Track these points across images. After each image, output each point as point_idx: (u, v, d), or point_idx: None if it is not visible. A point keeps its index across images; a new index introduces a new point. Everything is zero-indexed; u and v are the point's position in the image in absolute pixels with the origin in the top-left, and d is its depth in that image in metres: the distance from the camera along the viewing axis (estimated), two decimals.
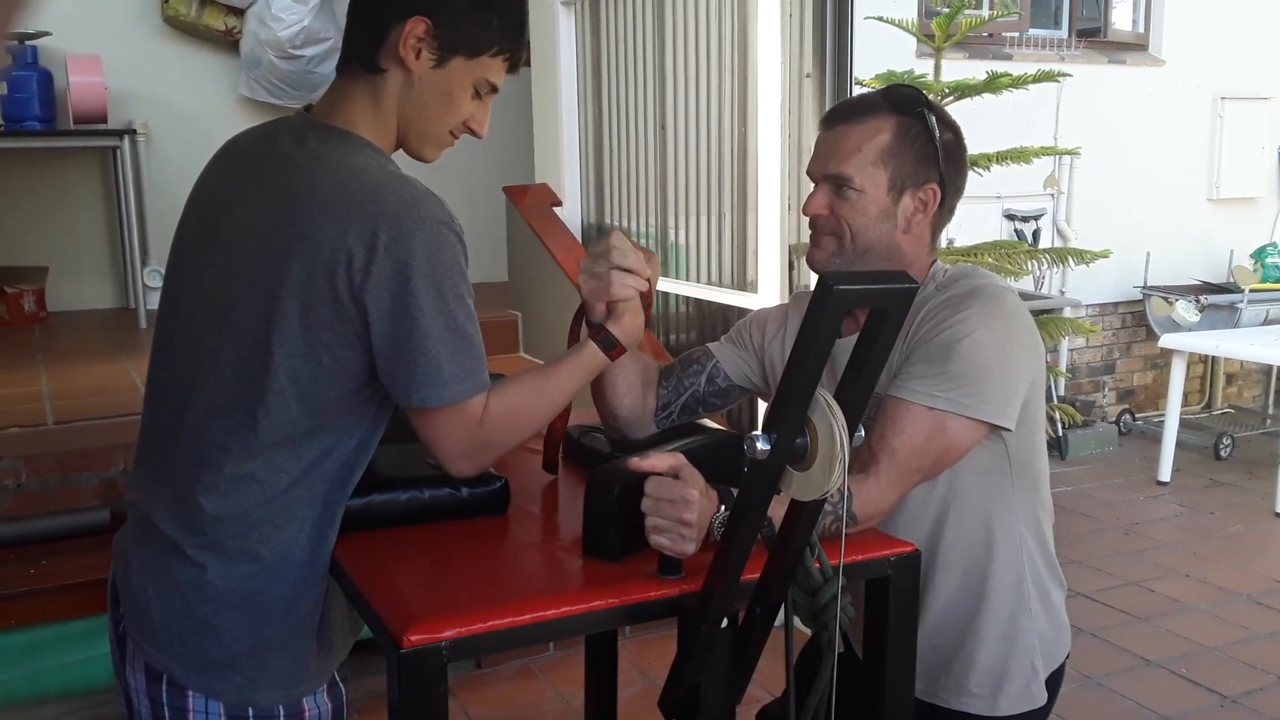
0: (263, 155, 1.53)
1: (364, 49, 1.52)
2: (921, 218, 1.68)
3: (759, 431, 1.19)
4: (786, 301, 2.00)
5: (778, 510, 1.32)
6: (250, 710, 1.49)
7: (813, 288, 1.11)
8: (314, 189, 1.43)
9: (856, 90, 3.18)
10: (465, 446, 1.49)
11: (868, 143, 1.65)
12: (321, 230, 1.40)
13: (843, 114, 1.70)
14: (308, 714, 1.53)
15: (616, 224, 4.61)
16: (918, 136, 1.65)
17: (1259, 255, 6.31)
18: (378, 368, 1.45)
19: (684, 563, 1.41)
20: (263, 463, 1.45)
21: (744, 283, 3.87)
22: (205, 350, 1.48)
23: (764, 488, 1.25)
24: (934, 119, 1.66)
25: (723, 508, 1.43)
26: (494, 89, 1.57)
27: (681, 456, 1.44)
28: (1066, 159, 5.74)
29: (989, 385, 1.58)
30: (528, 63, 1.65)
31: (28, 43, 4.74)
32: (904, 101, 1.66)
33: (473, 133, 1.60)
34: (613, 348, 1.61)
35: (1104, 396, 6.34)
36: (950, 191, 1.69)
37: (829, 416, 1.18)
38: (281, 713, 1.51)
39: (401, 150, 1.58)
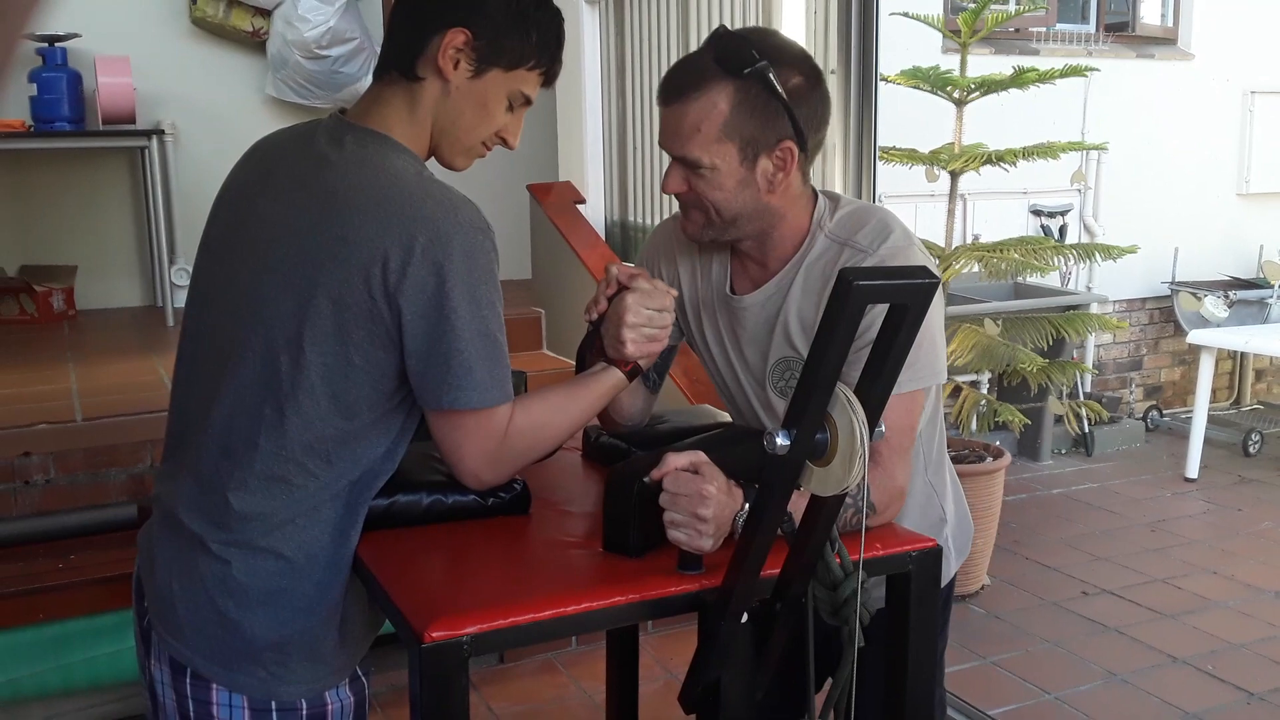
0: (298, 155, 1.54)
1: (403, 56, 1.53)
2: (783, 175, 1.61)
3: (779, 427, 1.19)
4: (662, 234, 1.91)
5: (798, 505, 1.33)
6: (273, 704, 1.50)
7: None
8: (353, 191, 1.45)
9: (881, 88, 3.17)
10: (488, 457, 1.51)
11: (705, 120, 1.56)
12: (359, 232, 1.42)
13: (675, 89, 1.59)
14: (330, 708, 1.54)
15: (638, 221, 4.61)
16: (758, 97, 1.55)
17: None
18: (409, 369, 1.46)
19: (705, 558, 1.42)
20: (295, 467, 1.46)
21: None
22: (234, 346, 1.50)
23: (784, 483, 1.25)
24: (772, 71, 1.54)
25: (747, 505, 1.43)
26: (528, 101, 1.59)
27: (701, 454, 1.45)
28: (1094, 154, 5.71)
29: (934, 350, 1.63)
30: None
31: (57, 44, 4.78)
32: (735, 61, 1.55)
33: (505, 143, 1.61)
34: (637, 375, 1.67)
35: (1131, 393, 6.30)
36: (810, 133, 1.60)
37: (849, 412, 1.18)
38: (304, 707, 1.52)
39: (432, 158, 1.59)
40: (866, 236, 1.64)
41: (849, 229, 1.66)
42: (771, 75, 1.54)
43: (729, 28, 1.62)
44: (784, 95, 1.55)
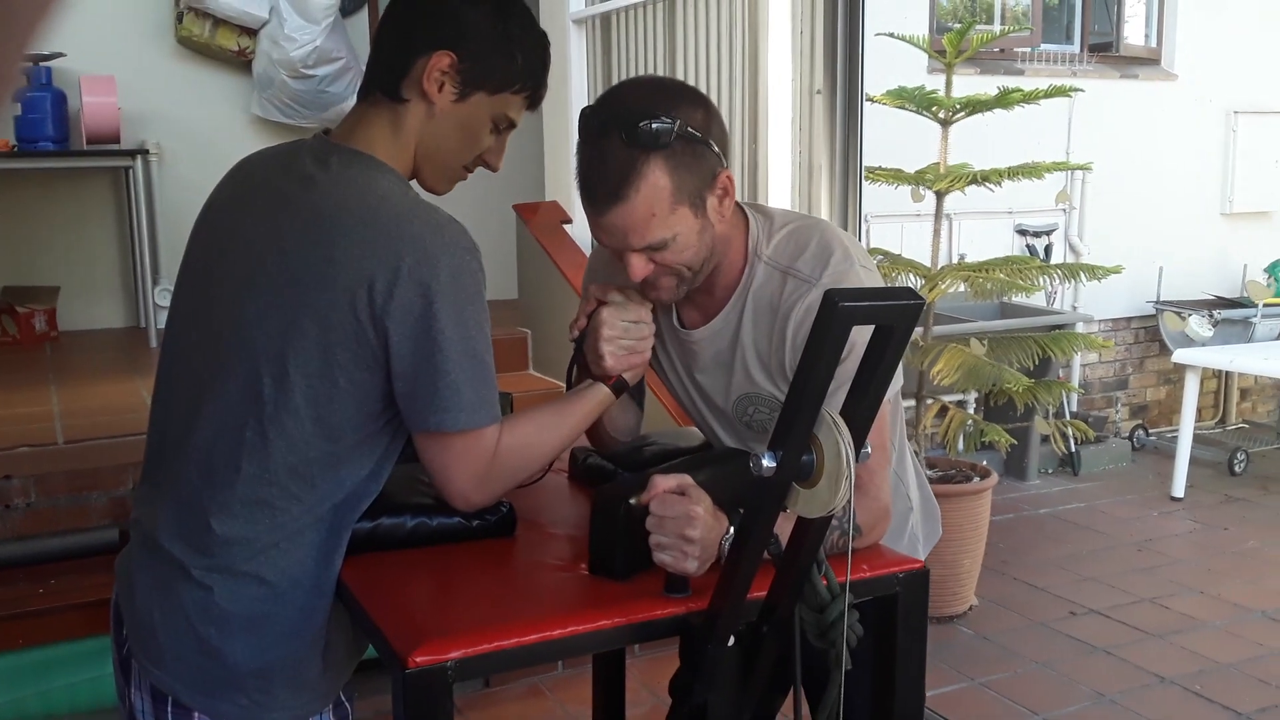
0: (283, 175, 1.53)
1: (387, 78, 1.53)
2: (728, 200, 1.59)
3: (765, 449, 1.19)
4: (599, 263, 1.86)
5: (784, 527, 1.32)
6: None
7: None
8: (339, 212, 1.44)
9: (867, 108, 3.18)
10: (476, 479, 1.50)
11: (655, 203, 1.51)
12: (345, 253, 1.41)
13: (611, 194, 1.51)
14: None
15: None
16: (684, 153, 1.51)
17: (1273, 269, 6.29)
18: (396, 391, 1.45)
19: (692, 581, 1.41)
20: (278, 490, 1.45)
21: None
22: (216, 367, 1.48)
23: (770, 505, 1.24)
24: (678, 121, 1.50)
25: (731, 530, 1.42)
26: (512, 125, 1.59)
27: (687, 477, 1.44)
28: (1079, 174, 5.73)
29: None
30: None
31: (42, 64, 4.76)
32: (652, 134, 1.49)
33: (488, 166, 1.61)
34: (623, 390, 1.67)
35: (1117, 412, 6.31)
36: (726, 152, 1.58)
37: (835, 433, 1.17)
38: None
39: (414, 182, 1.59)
40: (808, 264, 1.63)
41: (789, 255, 1.65)
42: (682, 126, 1.50)
43: (592, 108, 1.56)
44: (699, 134, 1.52)
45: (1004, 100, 4.03)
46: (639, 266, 1.57)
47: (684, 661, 1.41)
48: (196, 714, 1.48)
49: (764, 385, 1.69)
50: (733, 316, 1.69)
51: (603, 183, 1.52)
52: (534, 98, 1.60)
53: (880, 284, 1.71)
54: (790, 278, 1.63)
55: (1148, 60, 6.23)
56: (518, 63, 1.55)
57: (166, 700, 1.49)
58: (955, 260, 5.26)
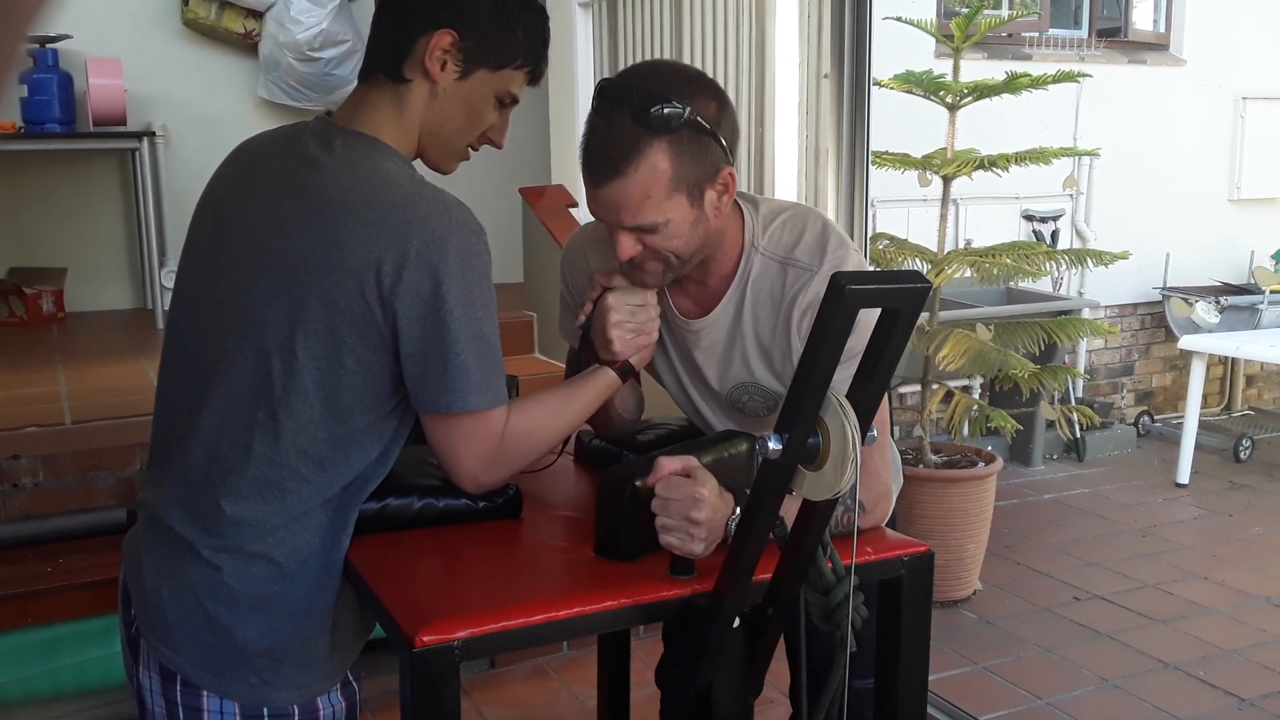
0: (286, 157, 1.53)
1: (389, 59, 1.53)
2: (727, 197, 1.59)
3: (771, 432, 1.19)
4: (578, 259, 1.87)
5: (790, 510, 1.32)
6: (265, 710, 1.49)
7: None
8: (345, 194, 1.44)
9: (874, 92, 3.17)
10: (484, 460, 1.50)
11: (652, 185, 1.51)
12: (352, 235, 1.41)
13: (610, 168, 1.52)
14: (322, 713, 1.54)
15: None
16: (690, 140, 1.51)
17: None
18: (405, 373, 1.45)
19: (697, 563, 1.41)
20: (288, 472, 1.45)
21: None
22: (223, 349, 1.48)
23: (776, 487, 1.24)
24: (689, 109, 1.50)
25: (737, 511, 1.43)
26: (515, 100, 1.59)
27: (693, 458, 1.44)
28: (1086, 159, 5.71)
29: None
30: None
31: (48, 45, 4.76)
32: (661, 118, 1.49)
33: (492, 143, 1.61)
34: (629, 374, 1.68)
35: (1122, 398, 6.31)
36: (733, 148, 1.58)
37: (841, 416, 1.17)
38: (296, 712, 1.51)
39: (419, 161, 1.59)
40: (806, 253, 1.64)
41: (785, 245, 1.66)
42: (691, 114, 1.50)
43: (609, 80, 1.57)
44: (709, 127, 1.53)
45: (1011, 85, 4.02)
46: (627, 246, 1.57)
47: (682, 645, 1.41)
48: (205, 693, 1.49)
49: (762, 376, 1.70)
50: (730, 308, 1.69)
51: (604, 156, 1.52)
52: (535, 72, 1.60)
53: (868, 268, 1.73)
54: (790, 268, 1.64)
55: (1156, 45, 6.20)
56: (519, 38, 1.55)
57: (175, 679, 1.50)
58: (962, 245, 5.25)
